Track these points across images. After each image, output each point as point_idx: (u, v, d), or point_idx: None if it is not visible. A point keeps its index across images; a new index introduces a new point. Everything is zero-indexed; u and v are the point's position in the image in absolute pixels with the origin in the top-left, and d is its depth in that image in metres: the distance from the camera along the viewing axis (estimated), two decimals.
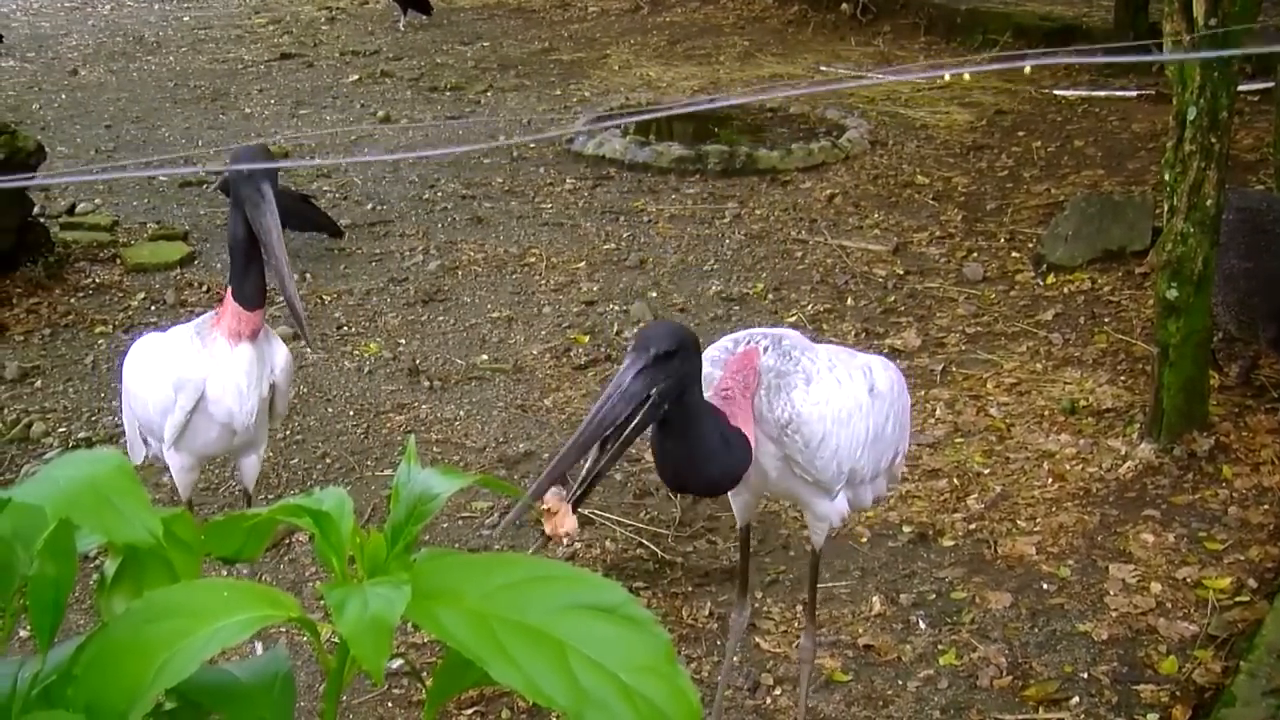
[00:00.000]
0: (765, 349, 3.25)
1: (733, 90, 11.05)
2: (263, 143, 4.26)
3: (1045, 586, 4.53)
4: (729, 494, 3.48)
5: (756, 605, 4.49)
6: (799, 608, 4.43)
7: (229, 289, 3.79)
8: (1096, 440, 5.41)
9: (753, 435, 3.17)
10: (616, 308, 6.90)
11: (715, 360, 3.29)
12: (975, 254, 7.44)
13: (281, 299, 3.83)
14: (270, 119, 10.82)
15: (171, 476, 4.04)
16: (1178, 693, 3.98)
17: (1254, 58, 7.73)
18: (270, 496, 5.21)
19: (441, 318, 6.88)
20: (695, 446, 3.02)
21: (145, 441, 4.14)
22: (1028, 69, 9.57)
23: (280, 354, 3.94)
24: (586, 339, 6.54)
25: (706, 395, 3.15)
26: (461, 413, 5.87)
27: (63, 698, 1.04)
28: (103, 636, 1.03)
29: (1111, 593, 4.47)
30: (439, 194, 8.71)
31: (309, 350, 6.49)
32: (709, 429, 3.03)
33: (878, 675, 4.13)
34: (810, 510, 3.46)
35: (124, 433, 4.28)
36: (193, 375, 3.75)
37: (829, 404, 3.23)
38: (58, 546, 1.10)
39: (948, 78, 9.94)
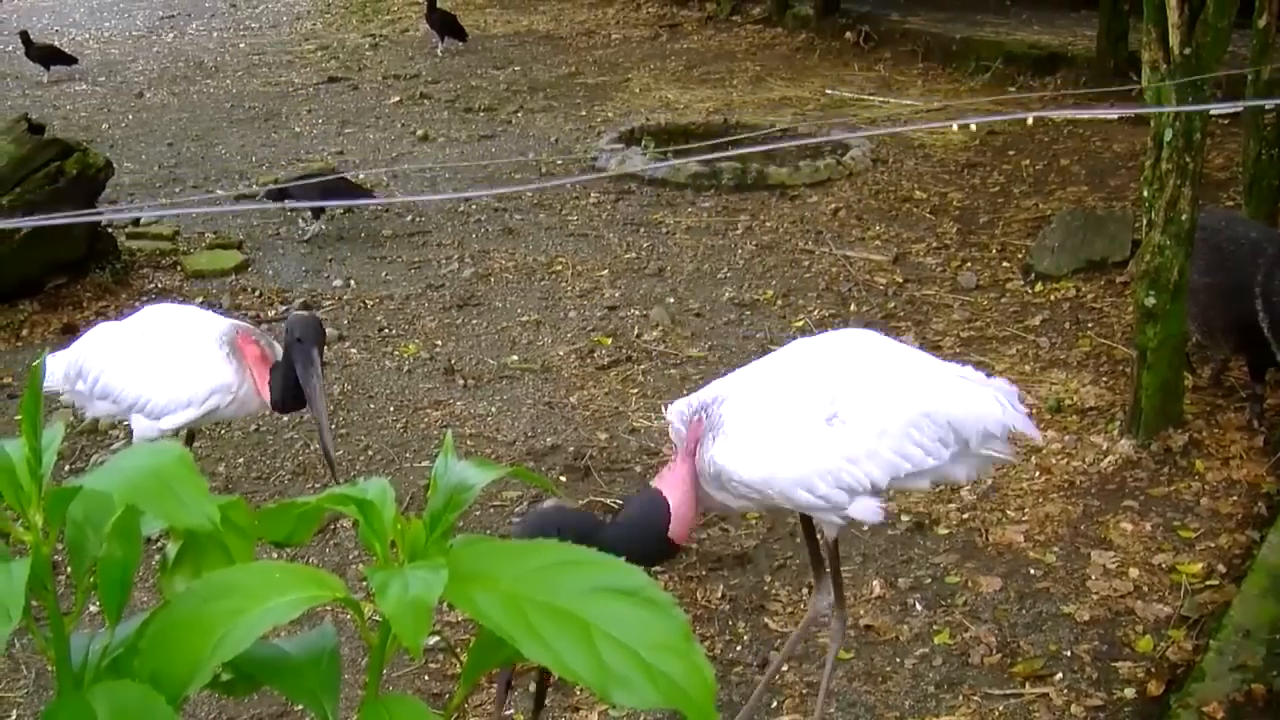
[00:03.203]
0: (708, 412, 3.35)
1: (744, 110, 11.04)
2: (316, 315, 4.60)
3: (1032, 572, 4.52)
4: None
5: (765, 588, 4.49)
6: (805, 590, 4.42)
7: (268, 379, 4.30)
8: (1080, 436, 5.39)
9: (685, 495, 3.33)
10: (637, 312, 6.90)
11: (683, 417, 3.42)
12: (969, 263, 7.42)
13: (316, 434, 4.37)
14: (318, 137, 10.85)
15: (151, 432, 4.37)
16: (1153, 669, 3.97)
17: (1224, 83, 7.70)
18: (316, 486, 5.22)
19: (475, 321, 6.88)
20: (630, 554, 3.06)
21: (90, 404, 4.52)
22: (1029, 120, 9.53)
23: None
24: (609, 341, 6.54)
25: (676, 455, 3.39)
26: (493, 409, 5.87)
27: (129, 668, 1.04)
28: (165, 613, 1.04)
29: (1093, 577, 4.45)
30: (473, 206, 8.72)
31: (354, 351, 6.52)
32: (617, 543, 3.04)
33: (877, 653, 4.12)
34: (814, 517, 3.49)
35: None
36: (230, 387, 4.20)
37: (744, 452, 3.27)
38: (124, 530, 1.11)
39: (955, 127, 9.91)
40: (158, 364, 4.28)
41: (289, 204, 8.23)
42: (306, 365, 4.15)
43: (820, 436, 3.29)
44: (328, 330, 6.65)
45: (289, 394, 4.26)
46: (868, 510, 3.37)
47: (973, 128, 9.88)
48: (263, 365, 4.31)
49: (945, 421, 3.39)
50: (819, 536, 3.55)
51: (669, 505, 3.31)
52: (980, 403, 3.46)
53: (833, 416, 3.30)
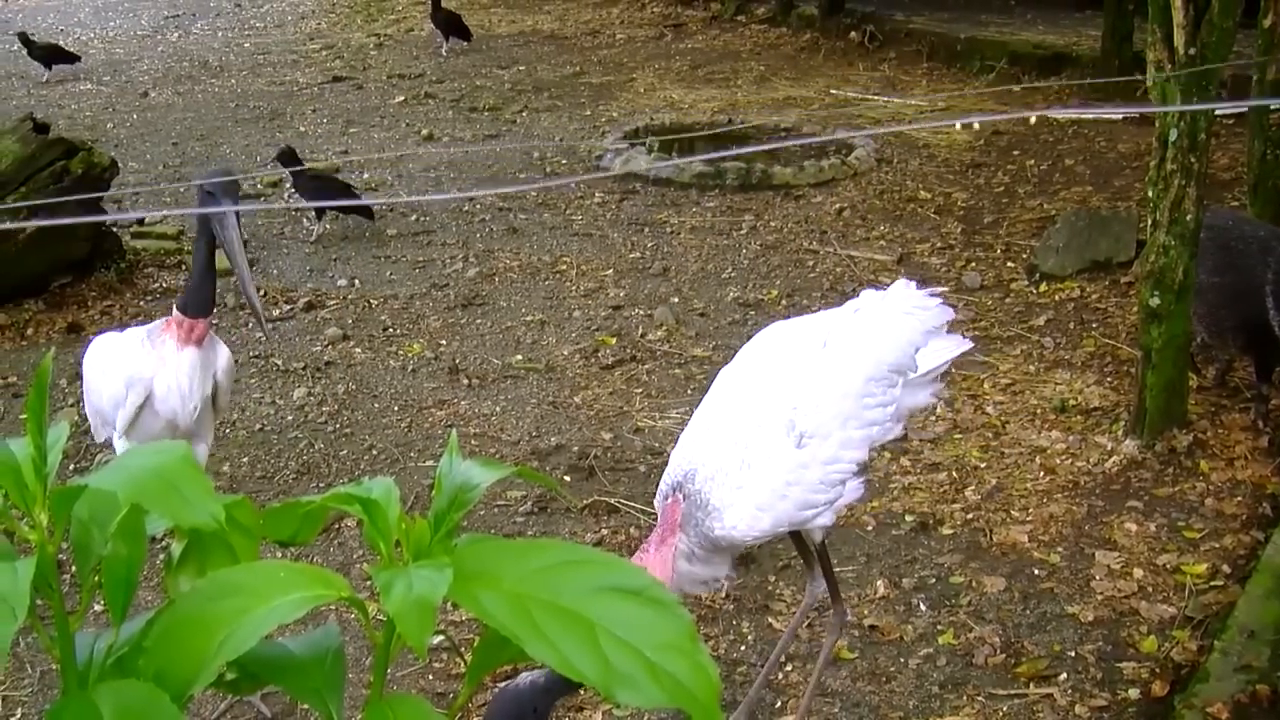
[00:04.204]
0: (683, 496, 3.33)
1: (749, 110, 11.04)
2: (229, 169, 4.44)
3: (1036, 572, 4.52)
4: None
5: (769, 588, 4.48)
6: None
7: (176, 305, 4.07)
8: (1085, 437, 5.38)
9: (667, 579, 3.29)
10: (641, 312, 6.90)
11: (659, 505, 3.42)
12: (973, 264, 7.42)
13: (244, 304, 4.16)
14: (323, 137, 10.85)
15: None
16: (1157, 670, 3.97)
17: (1228, 84, 7.70)
18: (321, 485, 5.22)
19: (479, 320, 6.88)
20: None
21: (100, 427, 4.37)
22: (1033, 119, 9.51)
23: (223, 356, 4.17)
24: (613, 340, 6.54)
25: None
26: (498, 408, 5.87)
27: (134, 667, 1.04)
28: (170, 612, 1.04)
29: (1097, 578, 4.45)
30: (477, 206, 8.71)
31: (358, 350, 6.52)
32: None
33: (881, 653, 4.12)
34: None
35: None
36: (141, 374, 4.01)
37: (745, 515, 3.29)
38: (129, 529, 1.11)
39: (959, 126, 9.89)
40: (100, 374, 4.17)
41: (290, 178, 8.23)
42: (221, 219, 3.88)
43: (799, 460, 3.32)
44: (332, 330, 6.68)
45: (192, 293, 3.98)
46: (855, 491, 3.45)
47: (976, 126, 9.86)
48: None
49: (886, 371, 3.46)
50: (807, 540, 3.58)
51: None
52: (898, 329, 3.53)
53: (801, 437, 3.32)
